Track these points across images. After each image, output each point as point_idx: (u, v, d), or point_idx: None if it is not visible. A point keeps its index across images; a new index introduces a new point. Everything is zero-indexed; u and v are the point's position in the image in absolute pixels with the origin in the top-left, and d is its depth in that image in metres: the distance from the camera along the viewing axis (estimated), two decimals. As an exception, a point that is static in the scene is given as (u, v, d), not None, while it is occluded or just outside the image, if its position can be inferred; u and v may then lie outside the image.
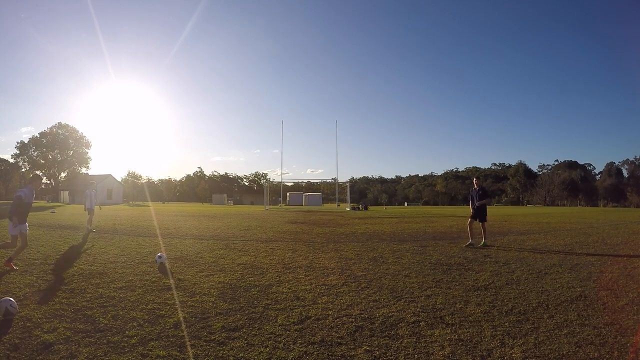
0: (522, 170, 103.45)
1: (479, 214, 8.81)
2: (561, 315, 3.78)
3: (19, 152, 60.45)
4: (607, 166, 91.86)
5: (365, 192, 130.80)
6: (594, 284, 5.11)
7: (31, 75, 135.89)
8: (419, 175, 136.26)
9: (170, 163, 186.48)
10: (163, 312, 3.78)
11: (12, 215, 5.73)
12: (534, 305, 4.15)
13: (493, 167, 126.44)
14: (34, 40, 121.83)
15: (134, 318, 3.60)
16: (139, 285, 4.79)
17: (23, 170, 64.83)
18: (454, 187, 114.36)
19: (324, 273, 5.71)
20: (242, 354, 2.87)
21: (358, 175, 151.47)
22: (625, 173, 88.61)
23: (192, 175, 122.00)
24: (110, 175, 60.93)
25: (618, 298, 4.43)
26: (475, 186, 9.06)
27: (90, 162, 62.91)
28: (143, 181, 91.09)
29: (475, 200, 8.90)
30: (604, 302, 4.28)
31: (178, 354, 2.87)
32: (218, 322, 3.52)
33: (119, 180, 69.70)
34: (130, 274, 5.45)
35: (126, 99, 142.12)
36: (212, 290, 4.62)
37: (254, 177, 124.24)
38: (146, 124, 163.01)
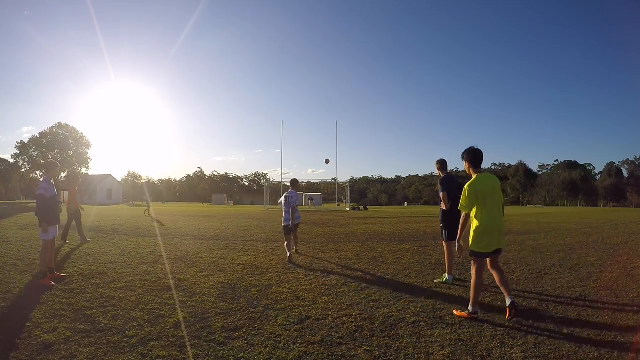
0: (522, 170, 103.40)
1: (444, 227, 5.28)
2: (561, 316, 3.79)
3: (19, 152, 60.49)
4: (607, 166, 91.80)
5: (365, 192, 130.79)
6: (594, 284, 5.11)
7: (31, 75, 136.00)
8: (419, 175, 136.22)
9: (171, 163, 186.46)
10: (163, 312, 3.78)
11: (41, 221, 4.97)
12: (533, 305, 4.15)
13: (493, 167, 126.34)
14: (34, 41, 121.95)
15: (134, 318, 3.60)
16: (139, 285, 4.79)
17: (23, 170, 64.83)
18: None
19: (324, 273, 5.71)
20: (242, 354, 2.88)
21: (358, 175, 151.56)
22: (625, 173, 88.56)
23: (192, 175, 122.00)
24: (110, 175, 60.98)
25: (618, 298, 4.43)
26: (439, 174, 5.46)
27: (90, 162, 62.94)
28: (143, 181, 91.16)
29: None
30: (604, 302, 4.28)
31: (178, 354, 2.87)
32: (218, 322, 3.52)
33: (119, 180, 69.73)
34: (130, 274, 5.45)
35: (126, 99, 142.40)
36: (212, 290, 4.62)
37: (254, 177, 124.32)
38: (146, 124, 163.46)
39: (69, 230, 8.81)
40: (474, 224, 3.67)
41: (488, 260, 3.78)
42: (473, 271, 3.73)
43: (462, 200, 3.71)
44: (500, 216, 3.73)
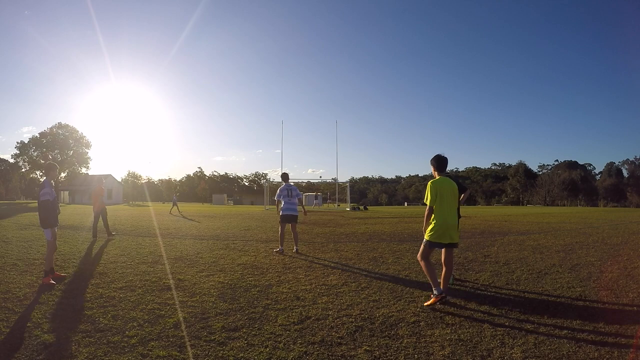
0: (522, 170, 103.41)
1: None
2: (561, 315, 3.79)
3: (19, 152, 60.36)
4: (607, 166, 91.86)
5: (365, 192, 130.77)
6: (594, 284, 5.11)
7: (31, 75, 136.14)
8: (419, 175, 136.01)
9: (171, 163, 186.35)
10: (163, 312, 3.78)
11: (47, 224, 5.08)
12: (534, 305, 4.15)
13: (493, 167, 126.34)
14: (34, 40, 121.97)
15: (134, 318, 3.60)
16: (139, 285, 4.79)
17: (23, 170, 64.78)
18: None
19: (324, 273, 5.71)
20: (242, 354, 2.87)
21: (358, 175, 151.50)
22: (625, 173, 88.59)
23: (192, 175, 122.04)
24: (110, 175, 60.96)
25: (618, 298, 4.43)
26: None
27: (90, 162, 62.76)
28: (143, 181, 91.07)
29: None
30: (604, 302, 4.28)
31: (178, 354, 2.87)
32: (218, 322, 3.52)
33: (119, 180, 69.72)
34: (130, 274, 5.45)
35: (126, 99, 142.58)
36: (212, 290, 4.62)
37: (254, 177, 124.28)
38: (146, 124, 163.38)
39: (107, 225, 9.90)
40: (432, 219, 4.21)
41: (443, 253, 4.26)
42: (419, 257, 4.27)
43: (426, 195, 4.30)
44: (454, 215, 4.29)
